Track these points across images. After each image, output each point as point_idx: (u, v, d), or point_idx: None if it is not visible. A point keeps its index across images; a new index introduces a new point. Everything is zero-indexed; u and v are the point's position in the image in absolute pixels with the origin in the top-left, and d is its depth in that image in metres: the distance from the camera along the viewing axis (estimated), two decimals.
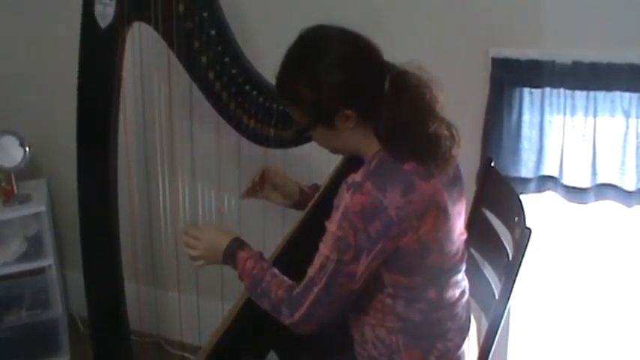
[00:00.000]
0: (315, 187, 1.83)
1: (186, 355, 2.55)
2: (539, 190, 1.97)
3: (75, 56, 1.89)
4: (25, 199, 2.45)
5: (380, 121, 1.33)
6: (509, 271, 1.52)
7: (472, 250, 1.69)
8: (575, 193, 1.91)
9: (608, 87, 1.78)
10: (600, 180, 1.88)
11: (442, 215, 1.34)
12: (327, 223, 1.33)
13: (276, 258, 1.65)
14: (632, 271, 2.09)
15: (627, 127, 1.81)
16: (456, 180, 1.42)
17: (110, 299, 2.12)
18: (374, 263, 1.32)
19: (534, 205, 1.96)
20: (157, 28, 1.80)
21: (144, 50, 1.99)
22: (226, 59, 1.78)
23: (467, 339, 1.51)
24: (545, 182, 1.96)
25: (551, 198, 1.98)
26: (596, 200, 1.91)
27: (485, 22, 1.92)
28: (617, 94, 1.79)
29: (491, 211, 1.76)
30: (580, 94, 1.82)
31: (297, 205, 1.81)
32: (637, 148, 1.82)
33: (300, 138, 1.61)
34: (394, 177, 1.30)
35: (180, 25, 1.75)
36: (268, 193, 1.81)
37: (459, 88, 1.78)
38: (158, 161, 2.33)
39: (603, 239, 2.09)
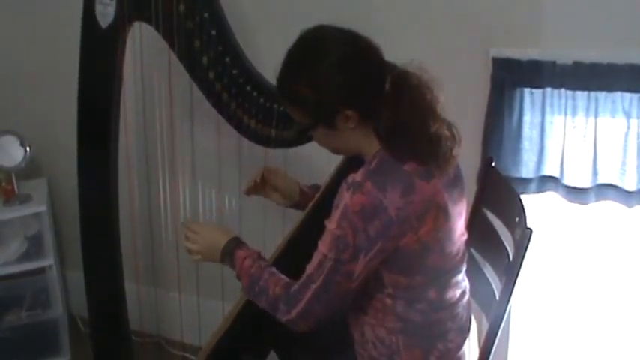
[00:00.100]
0: (315, 187, 1.83)
1: (186, 355, 2.55)
2: (539, 190, 1.97)
3: (75, 56, 1.89)
4: (25, 199, 2.45)
5: (380, 121, 1.33)
6: (510, 271, 1.52)
7: (473, 251, 1.69)
8: (575, 193, 1.91)
9: (609, 87, 1.78)
10: (601, 180, 1.88)
11: (442, 216, 1.34)
12: (326, 222, 1.33)
13: (277, 258, 1.65)
14: (632, 272, 2.09)
15: (628, 128, 1.81)
16: (456, 180, 1.42)
17: (110, 299, 2.12)
18: (373, 263, 1.32)
19: (535, 206, 1.96)
20: (157, 28, 1.80)
21: (144, 50, 1.99)
22: (227, 59, 1.78)
23: (467, 339, 1.50)
24: (546, 183, 1.96)
25: (551, 198, 1.98)
26: (597, 201, 1.91)
27: (486, 22, 1.92)
28: (617, 95, 1.79)
29: (492, 211, 1.76)
30: (581, 95, 1.82)
31: (297, 206, 1.81)
32: (638, 148, 1.81)
33: (301, 138, 1.61)
34: (394, 177, 1.30)
35: (181, 25, 1.75)
36: (269, 192, 1.82)
37: (459, 89, 1.78)
38: (159, 161, 2.33)
39: (604, 240, 2.09)
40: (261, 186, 1.79)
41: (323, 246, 1.33)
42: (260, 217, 2.11)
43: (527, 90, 1.88)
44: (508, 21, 1.90)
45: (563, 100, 1.85)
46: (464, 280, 1.51)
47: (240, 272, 1.47)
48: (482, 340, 1.48)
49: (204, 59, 1.77)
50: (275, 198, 1.82)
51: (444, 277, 1.42)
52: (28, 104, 2.62)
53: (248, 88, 1.79)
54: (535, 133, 1.91)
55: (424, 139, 1.32)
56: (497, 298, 1.54)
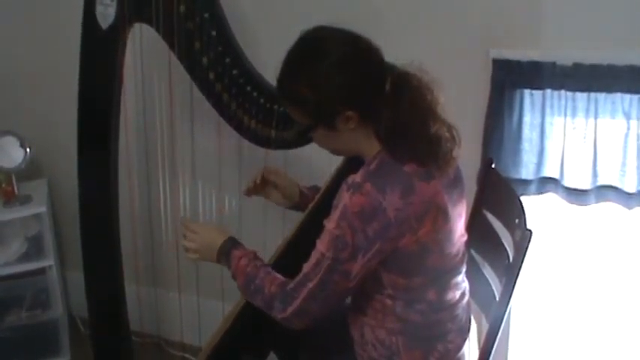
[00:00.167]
0: (315, 188, 1.83)
1: (186, 355, 2.55)
2: (539, 191, 1.97)
3: (76, 57, 1.89)
4: (25, 200, 2.45)
5: (380, 122, 1.33)
6: (510, 272, 1.52)
7: (472, 252, 1.69)
8: (575, 194, 1.91)
9: (609, 88, 1.78)
10: (601, 182, 1.88)
11: (442, 217, 1.34)
12: (325, 222, 1.33)
13: (277, 259, 1.65)
14: (632, 273, 2.09)
15: (628, 129, 1.81)
16: (456, 181, 1.42)
17: (110, 299, 2.12)
18: (371, 263, 1.32)
19: (535, 207, 1.96)
20: (157, 29, 1.80)
21: (145, 51, 1.99)
22: (227, 60, 1.77)
23: (467, 340, 1.51)
24: (546, 184, 1.96)
25: (551, 199, 1.98)
26: (597, 202, 1.91)
27: (486, 23, 1.92)
28: (617, 96, 1.79)
29: (492, 212, 1.76)
30: (581, 96, 1.82)
31: (297, 207, 1.81)
32: (638, 149, 1.81)
33: (301, 139, 1.61)
34: (394, 178, 1.30)
35: (181, 25, 1.75)
36: (269, 192, 1.82)
37: (459, 90, 1.78)
38: (159, 162, 2.33)
39: (604, 241, 2.09)
40: (261, 186, 1.79)
41: (321, 245, 1.33)
42: (260, 217, 2.11)
43: (527, 91, 1.88)
44: (508, 22, 1.90)
45: (563, 101, 1.85)
46: (464, 281, 1.51)
47: (236, 272, 1.47)
48: (482, 341, 1.48)
49: (205, 60, 1.77)
50: (275, 198, 1.82)
51: (443, 278, 1.42)
52: (28, 104, 2.62)
53: (248, 88, 1.79)
54: (535, 134, 1.91)
55: (424, 140, 1.32)
56: (497, 299, 1.53)
